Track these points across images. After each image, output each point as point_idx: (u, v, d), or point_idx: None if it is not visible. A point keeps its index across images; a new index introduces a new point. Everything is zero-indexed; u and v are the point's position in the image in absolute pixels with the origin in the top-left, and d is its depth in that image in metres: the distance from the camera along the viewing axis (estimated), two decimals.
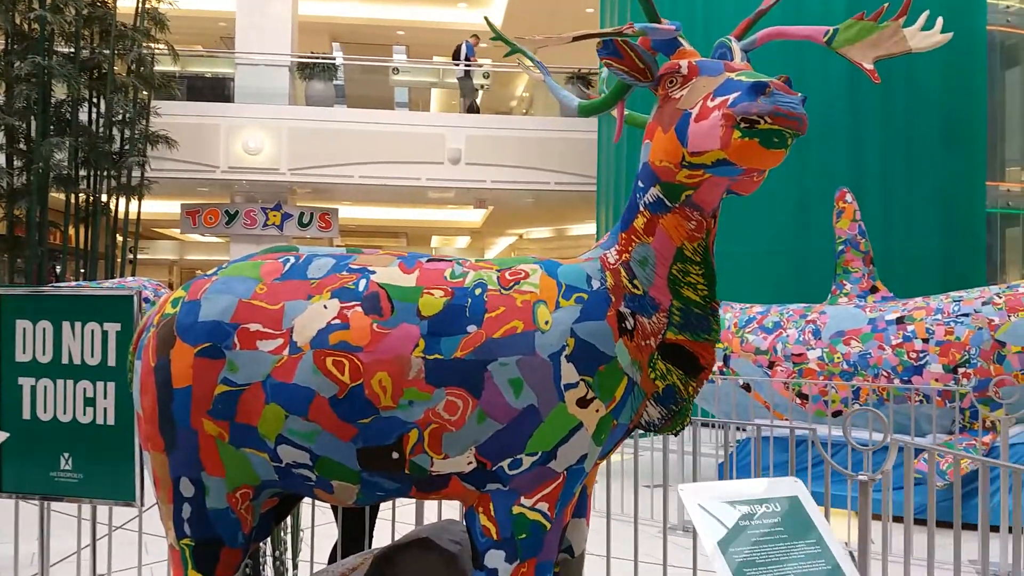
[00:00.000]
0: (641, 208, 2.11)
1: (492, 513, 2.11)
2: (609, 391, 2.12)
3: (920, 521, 3.52)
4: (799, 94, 1.85)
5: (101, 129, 12.19)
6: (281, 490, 2.26)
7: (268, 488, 2.24)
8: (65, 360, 3.05)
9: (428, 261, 2.29)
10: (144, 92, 12.84)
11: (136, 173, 12.70)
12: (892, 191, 10.25)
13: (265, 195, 15.51)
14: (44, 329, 3.07)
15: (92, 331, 3.01)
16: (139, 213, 13.16)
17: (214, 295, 2.21)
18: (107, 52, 11.99)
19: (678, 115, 1.98)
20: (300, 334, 2.13)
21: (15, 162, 11.38)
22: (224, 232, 15.67)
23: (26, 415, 3.09)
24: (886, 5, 2.14)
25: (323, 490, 2.22)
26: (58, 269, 14.39)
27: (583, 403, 2.10)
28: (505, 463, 2.09)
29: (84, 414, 3.03)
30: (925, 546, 3.18)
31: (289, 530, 3.42)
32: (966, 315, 6.04)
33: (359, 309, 2.14)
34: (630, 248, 2.13)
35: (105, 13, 11.98)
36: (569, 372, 2.08)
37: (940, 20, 2.14)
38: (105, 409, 3.00)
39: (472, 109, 16.67)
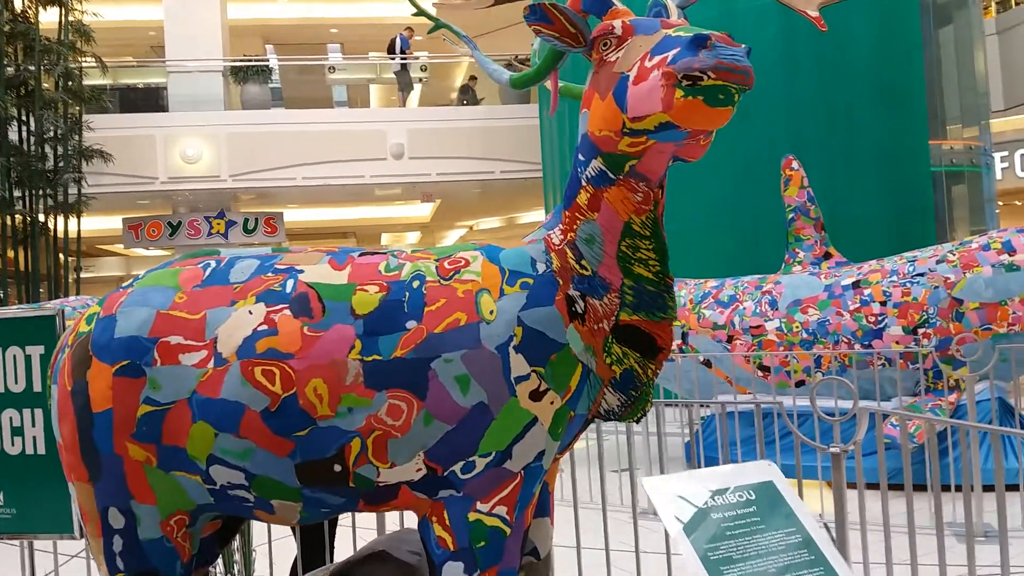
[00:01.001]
0: (583, 183, 1.98)
1: (447, 522, 1.98)
2: (563, 381, 2.01)
3: (894, 486, 3.49)
4: (743, 46, 1.73)
5: (33, 147, 11.73)
6: (219, 513, 2.12)
7: (205, 512, 2.08)
8: None
9: (361, 255, 2.13)
10: (75, 107, 12.39)
11: (73, 190, 12.27)
12: (834, 155, 10.29)
13: (208, 204, 15.13)
14: None
15: (14, 356, 2.82)
16: (79, 231, 12.74)
17: (129, 308, 2.04)
18: (32, 68, 11.53)
19: (615, 79, 1.85)
20: (225, 344, 1.97)
21: None
22: (168, 244, 15.25)
23: None
24: None
25: (263, 511, 2.07)
26: (6, 294, 13.88)
27: (536, 396, 1.97)
28: (457, 467, 1.97)
29: (12, 444, 2.84)
30: (902, 512, 3.15)
31: (240, 548, 3.26)
32: (921, 275, 6.07)
33: (287, 312, 1.99)
34: (575, 226, 2.00)
35: (28, 28, 11.52)
36: (519, 364, 1.96)
37: None
38: (34, 438, 2.82)
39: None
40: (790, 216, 7.12)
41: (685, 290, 7.38)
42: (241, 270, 2.10)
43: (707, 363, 7.12)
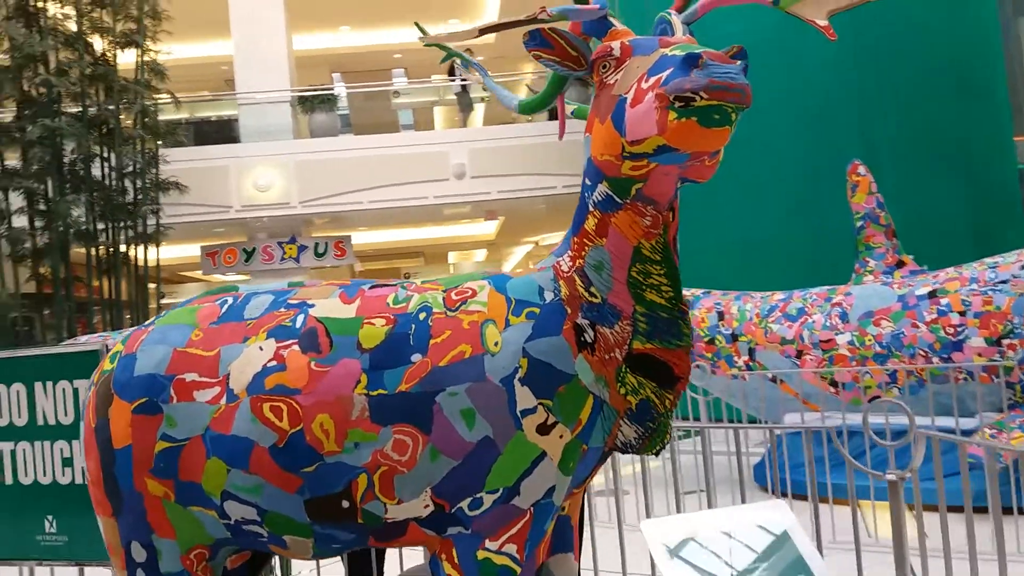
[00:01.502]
0: (591, 208, 1.93)
1: (456, 560, 1.93)
2: (572, 413, 1.94)
3: (978, 509, 3.25)
4: (738, 62, 1.65)
5: (114, 182, 12.28)
6: (239, 547, 2.12)
7: (224, 546, 2.09)
8: (40, 421, 2.97)
9: (371, 288, 2.12)
10: (152, 142, 12.93)
11: (152, 221, 12.77)
12: (910, 157, 9.83)
13: (280, 229, 15.54)
14: (18, 391, 2.99)
15: (63, 389, 2.92)
16: (158, 259, 13.25)
17: (149, 347, 2.08)
18: (112, 107, 12.09)
19: (614, 102, 1.80)
20: (236, 380, 1.99)
21: (36, 223, 11.50)
22: (244, 269, 15.72)
23: (8, 480, 3.01)
24: None
25: (278, 546, 2.07)
26: (93, 321, 14.54)
27: (544, 429, 1.91)
28: (464, 503, 1.92)
29: (63, 475, 2.93)
30: (972, 538, 2.93)
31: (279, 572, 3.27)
32: (1004, 282, 5.71)
33: (296, 348, 1.99)
34: (583, 253, 1.95)
35: (107, 70, 12.09)
36: (525, 396, 1.91)
37: None
38: (83, 468, 2.88)
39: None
40: (859, 223, 6.84)
41: (751, 303, 7.15)
42: (255, 306, 2.11)
43: (775, 379, 6.87)
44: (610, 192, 1.88)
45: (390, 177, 14.54)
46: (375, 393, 1.93)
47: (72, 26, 11.70)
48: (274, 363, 1.98)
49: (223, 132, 15.89)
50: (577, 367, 1.94)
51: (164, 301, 21.97)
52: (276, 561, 3.22)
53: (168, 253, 14.95)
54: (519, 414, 1.90)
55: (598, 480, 7.08)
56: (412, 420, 1.91)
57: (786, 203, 10.34)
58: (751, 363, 6.99)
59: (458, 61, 2.53)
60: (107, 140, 12.11)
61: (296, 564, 3.59)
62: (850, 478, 2.95)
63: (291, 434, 1.93)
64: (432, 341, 1.96)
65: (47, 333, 12.17)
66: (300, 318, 2.04)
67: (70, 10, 11.67)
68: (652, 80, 1.70)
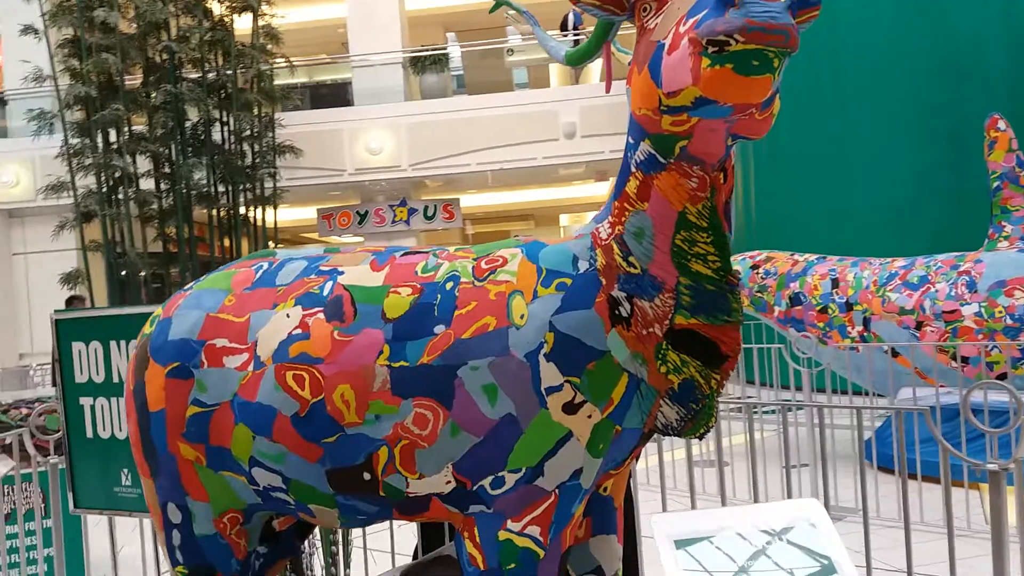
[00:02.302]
0: (633, 169, 1.74)
1: (477, 539, 1.83)
2: (603, 392, 1.79)
3: None
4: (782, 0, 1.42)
5: (232, 146, 12.78)
6: (272, 512, 2.10)
7: (258, 511, 2.07)
8: (116, 379, 3.06)
9: (403, 255, 2.02)
10: (268, 107, 13.35)
11: (269, 184, 13.25)
12: None
13: (393, 192, 15.81)
14: (95, 349, 3.09)
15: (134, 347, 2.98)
16: (275, 221, 13.75)
17: (184, 311, 2.07)
18: (229, 72, 12.53)
19: (652, 49, 1.59)
20: (263, 347, 1.94)
21: (161, 185, 12.15)
22: (358, 231, 16.14)
23: (88, 434, 3.13)
24: None
25: (306, 514, 2.03)
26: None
27: (571, 408, 1.77)
28: (486, 482, 1.81)
29: None
30: None
31: (335, 542, 3.27)
32: None
33: (321, 316, 1.92)
34: (623, 218, 1.76)
35: (224, 35, 12.50)
36: (550, 373, 1.77)
37: None
38: None
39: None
40: (995, 184, 6.19)
41: (868, 271, 6.65)
42: (288, 272, 2.05)
43: (894, 352, 6.38)
44: (652, 151, 1.68)
45: (499, 138, 14.44)
46: (397, 365, 1.84)
47: None
48: (299, 331, 1.93)
49: (337, 95, 16.22)
50: (609, 343, 1.78)
51: None
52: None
53: (288, 215, 15.53)
54: (544, 391, 1.77)
55: (698, 450, 6.86)
56: (433, 394, 1.82)
57: (921, 163, 9.58)
58: (865, 334, 6.52)
59: (509, 11, 2.35)
60: (225, 104, 12.59)
61: (354, 530, 3.60)
62: (943, 461, 2.65)
63: (312, 403, 1.88)
64: (457, 312, 1.85)
65: (174, 290, 12.90)
66: (328, 285, 1.97)
67: None
68: (689, 23, 1.50)
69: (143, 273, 11.44)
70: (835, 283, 6.78)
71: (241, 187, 12.89)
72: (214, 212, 12.58)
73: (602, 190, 20.20)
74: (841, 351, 6.59)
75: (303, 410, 1.88)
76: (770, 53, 1.42)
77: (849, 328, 6.64)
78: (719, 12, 1.42)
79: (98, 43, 11.04)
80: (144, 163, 12.01)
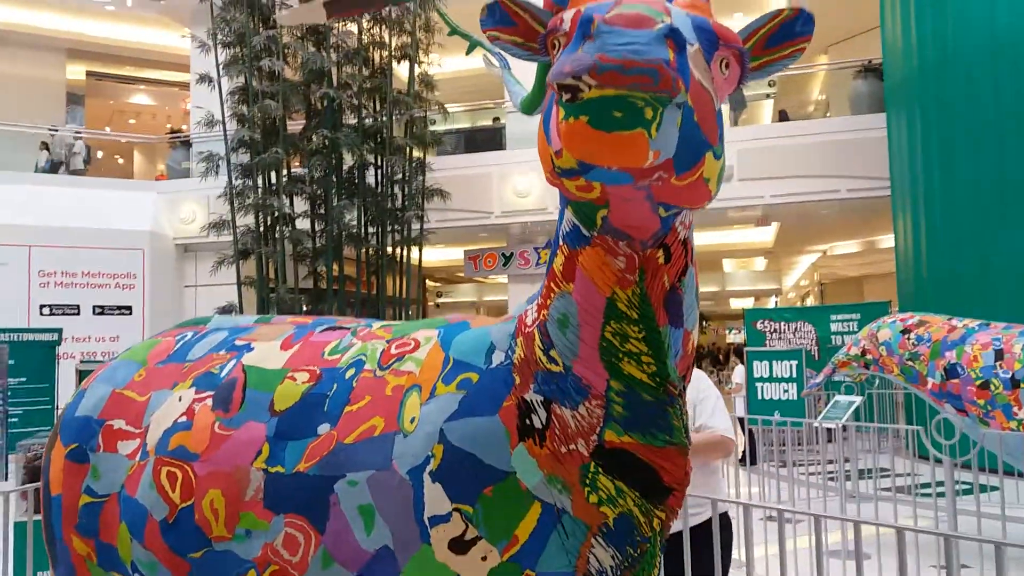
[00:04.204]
0: (560, 242, 1.41)
1: None
2: (504, 526, 1.42)
3: None
4: (660, 23, 1.06)
5: (383, 188, 13.25)
6: None
7: None
8: None
9: (325, 330, 1.76)
10: (420, 151, 13.77)
11: (416, 225, 13.60)
12: None
13: (538, 234, 15.77)
14: None
15: None
16: (420, 260, 14.07)
17: (96, 385, 1.90)
18: (384, 119, 13.05)
19: (548, 96, 1.28)
20: (152, 434, 1.74)
21: (316, 225, 12.79)
22: (503, 272, 16.22)
23: None
24: None
25: None
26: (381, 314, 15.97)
27: (459, 547, 1.42)
28: None
29: None
30: None
31: None
32: None
33: (209, 402, 1.70)
34: (548, 301, 1.42)
35: (382, 83, 13.06)
36: (436, 498, 1.43)
37: None
38: None
39: (783, 118, 15.42)
40: None
41: None
42: (204, 345, 1.86)
43: None
44: (576, 221, 1.36)
45: None
46: (273, 470, 1.58)
47: (353, 42, 12.80)
48: (184, 419, 1.72)
49: (490, 139, 16.49)
50: (515, 462, 1.42)
51: (441, 300, 23.64)
52: None
53: (436, 255, 15.87)
54: (427, 522, 1.43)
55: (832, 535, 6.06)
56: (306, 511, 1.53)
57: None
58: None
59: (484, 51, 2.10)
60: (379, 149, 13.10)
61: None
62: None
63: (181, 509, 1.65)
64: (347, 408, 1.56)
65: None
66: (230, 364, 1.76)
67: (352, 28, 12.79)
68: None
69: (305, 308, 12.07)
70: (999, 355, 5.83)
71: (389, 228, 13.31)
72: (363, 251, 13.06)
73: (766, 236, 19.13)
74: (1009, 435, 5.62)
75: (171, 515, 1.66)
76: (637, 100, 1.06)
77: (1016, 409, 5.66)
78: (574, 48, 1.10)
79: (264, 90, 11.86)
80: (300, 204, 12.70)
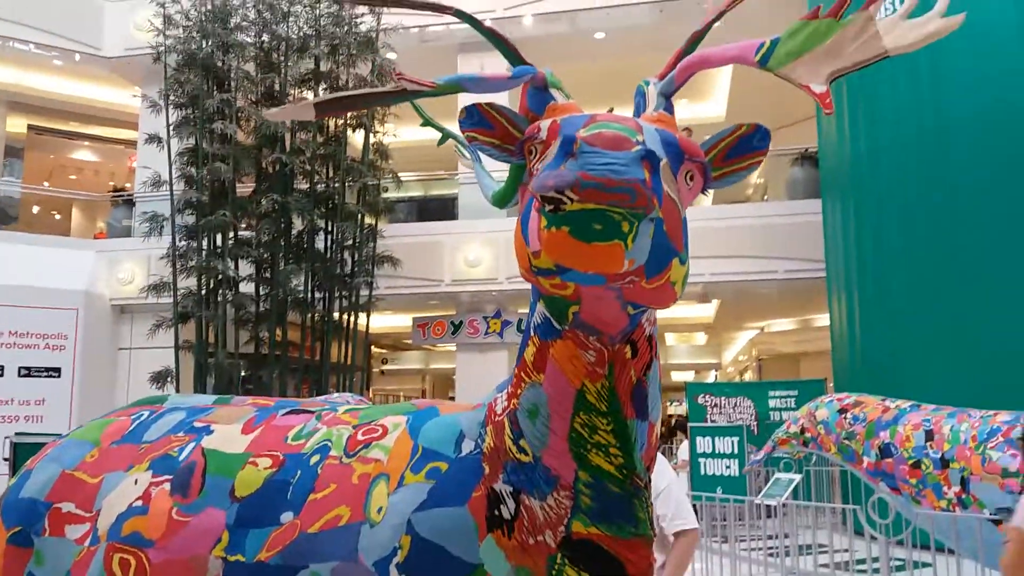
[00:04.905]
0: (531, 333, 1.48)
1: None
2: None
3: None
4: (637, 145, 1.17)
5: (333, 254, 13.21)
6: None
7: None
8: None
9: (287, 413, 1.75)
10: (371, 218, 13.82)
11: (365, 291, 13.54)
12: None
13: (488, 304, 15.86)
14: None
15: None
16: (367, 328, 13.96)
17: (44, 465, 1.84)
18: (337, 185, 13.11)
19: (526, 200, 1.37)
20: (104, 519, 1.70)
21: (260, 289, 12.62)
22: (451, 340, 16.19)
23: None
24: None
25: None
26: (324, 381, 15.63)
27: None
28: None
29: None
30: None
31: None
32: None
33: (167, 486, 1.67)
34: (519, 391, 1.48)
35: (336, 150, 13.16)
36: None
37: None
38: None
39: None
40: None
41: (967, 423, 5.87)
42: (161, 426, 1.83)
43: (996, 521, 5.51)
44: (548, 314, 1.44)
45: None
46: (233, 558, 1.56)
47: None
48: (139, 503, 1.68)
49: (443, 208, 16.67)
50: (483, 554, 1.44)
51: (387, 367, 23.39)
52: None
53: (384, 322, 15.76)
54: None
55: None
56: None
57: None
58: (964, 496, 5.70)
59: (456, 143, 2.19)
60: (330, 215, 13.10)
61: None
62: None
63: None
64: (311, 496, 1.56)
65: (270, 392, 13.25)
66: (189, 447, 1.73)
67: (309, 95, 12.93)
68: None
69: (244, 374, 11.79)
70: (929, 435, 6.03)
71: (337, 293, 13.23)
72: (309, 316, 12.92)
73: (708, 311, 19.59)
74: (939, 515, 5.78)
75: None
76: (615, 215, 1.16)
77: (945, 488, 5.84)
78: (556, 163, 1.20)
79: (215, 152, 11.83)
80: (245, 267, 12.55)
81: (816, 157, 13.86)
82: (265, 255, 12.54)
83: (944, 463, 5.81)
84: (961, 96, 9.65)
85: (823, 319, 18.62)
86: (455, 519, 1.45)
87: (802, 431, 6.88)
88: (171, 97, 12.36)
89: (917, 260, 10.11)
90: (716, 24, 1.66)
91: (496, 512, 1.45)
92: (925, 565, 6.23)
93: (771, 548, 8.11)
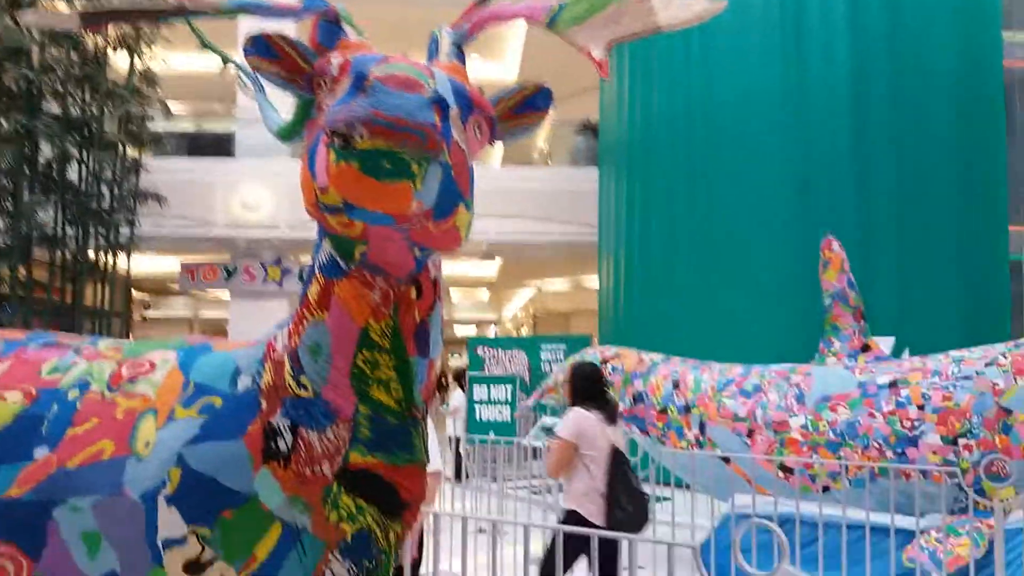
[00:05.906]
0: (316, 271, 1.48)
1: None
2: (243, 547, 1.45)
3: None
4: (427, 90, 1.21)
5: (89, 187, 12.01)
6: None
7: None
8: None
9: (41, 346, 1.65)
10: (135, 150, 12.70)
11: (125, 230, 12.48)
12: (907, 240, 9.40)
13: (268, 252, 15.22)
14: None
15: None
16: (128, 271, 12.92)
17: None
18: (96, 111, 11.88)
19: (313, 135, 1.36)
20: None
21: (1, 223, 11.21)
22: (224, 286, 15.39)
23: None
24: None
25: None
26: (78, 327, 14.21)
27: (194, 568, 1.43)
28: None
29: None
30: None
31: None
32: (967, 378, 5.18)
33: None
34: (300, 329, 1.48)
35: (95, 72, 11.88)
36: (171, 521, 1.43)
37: None
38: None
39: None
40: (827, 302, 6.32)
41: (708, 374, 6.63)
42: None
43: (725, 459, 6.31)
44: (334, 253, 1.45)
45: None
46: None
47: None
48: None
49: (217, 144, 15.65)
50: (257, 484, 1.45)
51: (150, 313, 21.78)
52: None
53: (147, 264, 14.63)
54: (160, 544, 1.43)
55: None
56: (17, 537, 1.46)
57: (771, 274, 9.88)
58: (701, 438, 6.45)
59: (233, 69, 2.09)
60: (86, 143, 11.87)
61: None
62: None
63: None
64: (70, 431, 1.50)
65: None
66: None
67: (63, 5, 11.50)
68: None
69: None
70: (676, 385, 6.73)
71: (93, 231, 12.08)
72: (59, 255, 11.70)
73: (491, 269, 20.19)
74: (679, 453, 6.49)
75: None
76: (405, 155, 1.19)
77: (686, 431, 6.56)
78: (348, 98, 1.21)
79: None
80: None
81: (597, 127, 14.66)
82: (6, 183, 11.13)
83: (687, 409, 6.53)
84: (725, 76, 10.58)
85: (593, 280, 19.97)
86: (229, 452, 1.46)
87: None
88: None
89: (676, 229, 11.09)
90: None
91: (272, 445, 1.47)
92: (665, 499, 6.97)
93: (534, 487, 8.70)
